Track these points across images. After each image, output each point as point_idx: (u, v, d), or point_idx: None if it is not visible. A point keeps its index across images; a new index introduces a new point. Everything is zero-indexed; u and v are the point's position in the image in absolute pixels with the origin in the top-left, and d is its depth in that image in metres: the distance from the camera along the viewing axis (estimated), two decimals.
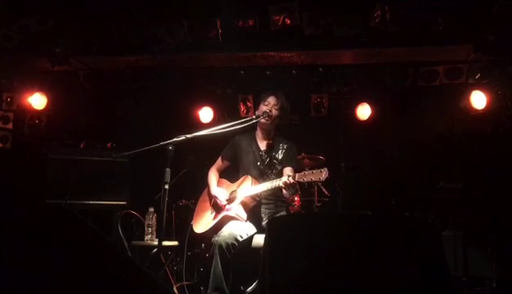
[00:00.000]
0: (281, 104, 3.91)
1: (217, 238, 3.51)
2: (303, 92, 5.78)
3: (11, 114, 5.85)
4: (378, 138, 5.73)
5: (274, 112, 3.88)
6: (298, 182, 3.46)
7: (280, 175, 3.79)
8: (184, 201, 5.17)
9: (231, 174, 4.10)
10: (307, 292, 1.97)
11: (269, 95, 3.94)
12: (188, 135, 3.48)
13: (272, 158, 3.91)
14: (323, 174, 3.34)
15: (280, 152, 3.92)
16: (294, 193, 4.04)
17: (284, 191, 3.64)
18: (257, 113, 3.97)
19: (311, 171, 3.40)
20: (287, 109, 4.00)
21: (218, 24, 4.90)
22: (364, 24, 4.72)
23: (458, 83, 5.43)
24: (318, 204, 5.08)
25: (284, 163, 3.88)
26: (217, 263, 3.42)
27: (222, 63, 5.69)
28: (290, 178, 3.43)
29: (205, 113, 6.06)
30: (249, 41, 5.05)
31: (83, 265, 1.76)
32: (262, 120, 3.85)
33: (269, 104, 3.89)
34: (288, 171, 3.78)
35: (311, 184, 4.04)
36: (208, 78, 5.87)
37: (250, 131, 4.05)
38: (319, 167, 3.47)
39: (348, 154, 5.67)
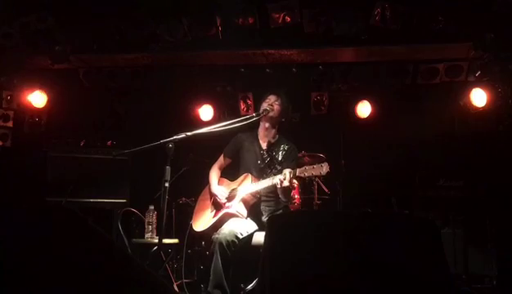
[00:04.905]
0: (282, 101, 3.96)
1: (217, 236, 3.52)
2: (302, 90, 5.78)
3: (11, 112, 5.84)
4: (378, 136, 5.73)
5: (275, 107, 3.91)
6: (299, 177, 3.48)
7: (279, 174, 3.79)
8: (184, 199, 5.17)
9: (231, 172, 4.10)
10: (307, 290, 1.97)
11: (270, 94, 4.02)
12: (188, 133, 3.48)
13: (273, 157, 3.92)
14: (324, 168, 3.36)
15: (280, 153, 3.93)
16: (288, 200, 4.03)
17: (278, 192, 3.66)
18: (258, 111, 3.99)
19: (311, 166, 3.43)
20: (288, 107, 4.03)
21: (218, 21, 4.90)
22: (364, 22, 4.72)
23: (458, 81, 5.44)
24: (318, 202, 5.08)
25: (283, 164, 3.88)
26: (217, 260, 3.42)
27: (222, 61, 5.69)
28: (287, 174, 3.44)
29: (205, 111, 6.06)
30: (249, 38, 5.06)
31: (83, 263, 1.76)
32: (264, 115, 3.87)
33: (270, 101, 3.94)
34: (288, 171, 3.78)
35: (311, 179, 4.03)
36: (208, 76, 5.87)
37: (253, 129, 4.08)
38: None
39: (348, 152, 5.67)
